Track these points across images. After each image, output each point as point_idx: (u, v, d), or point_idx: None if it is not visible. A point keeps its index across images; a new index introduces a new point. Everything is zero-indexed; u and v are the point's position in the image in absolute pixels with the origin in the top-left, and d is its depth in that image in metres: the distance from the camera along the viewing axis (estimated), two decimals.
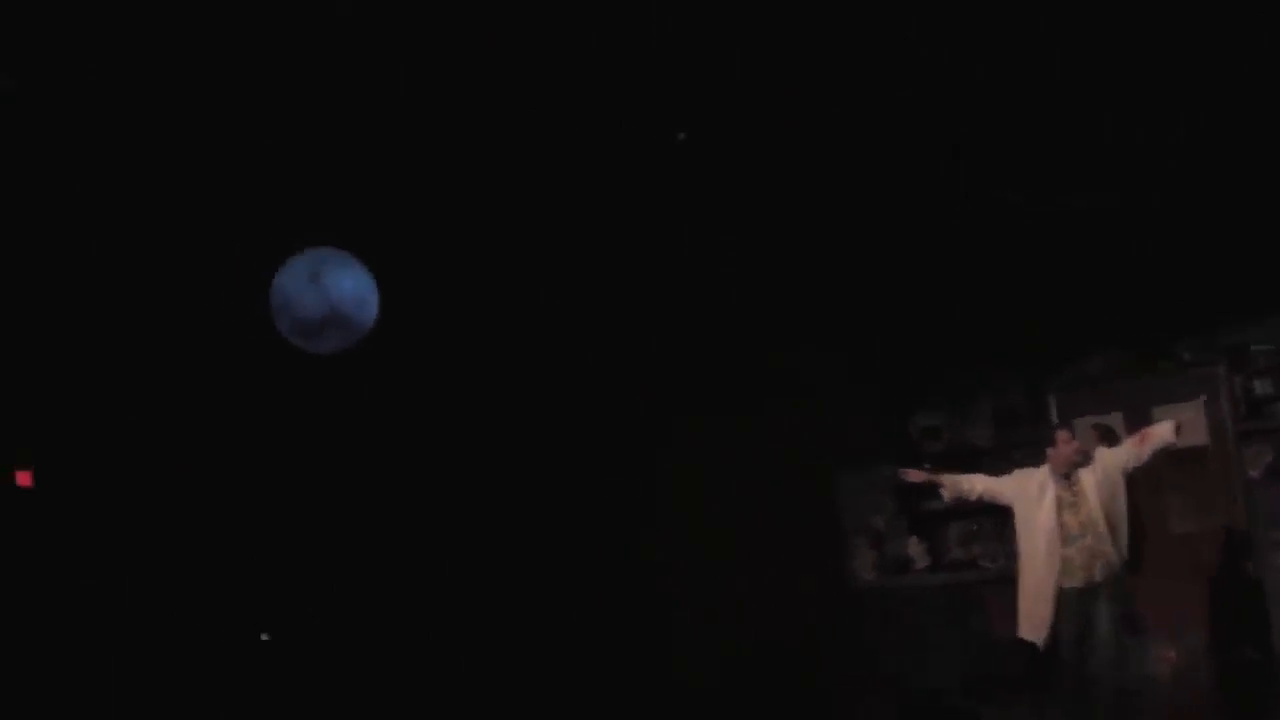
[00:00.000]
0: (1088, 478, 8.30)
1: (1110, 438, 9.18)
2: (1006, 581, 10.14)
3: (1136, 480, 8.48)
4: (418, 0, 7.67)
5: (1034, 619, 8.41)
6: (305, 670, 9.89)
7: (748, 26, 7.76)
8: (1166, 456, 8.56)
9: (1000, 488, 8.65)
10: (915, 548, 10.89)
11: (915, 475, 8.94)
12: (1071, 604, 8.25)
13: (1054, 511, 8.30)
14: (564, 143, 8.84)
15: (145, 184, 8.95)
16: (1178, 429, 8.37)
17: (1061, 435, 8.57)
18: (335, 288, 7.81)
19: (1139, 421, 9.38)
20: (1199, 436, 9.68)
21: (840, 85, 8.45)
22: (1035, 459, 8.78)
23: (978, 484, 8.73)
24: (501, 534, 10.39)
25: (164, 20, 7.94)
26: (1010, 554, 10.59)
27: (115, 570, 9.61)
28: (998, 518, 10.75)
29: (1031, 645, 8.53)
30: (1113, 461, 8.35)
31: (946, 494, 8.83)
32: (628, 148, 9.38)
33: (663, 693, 9.97)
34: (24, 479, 9.55)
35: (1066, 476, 8.36)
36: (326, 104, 8.33)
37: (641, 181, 9.92)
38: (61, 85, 8.55)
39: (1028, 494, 8.46)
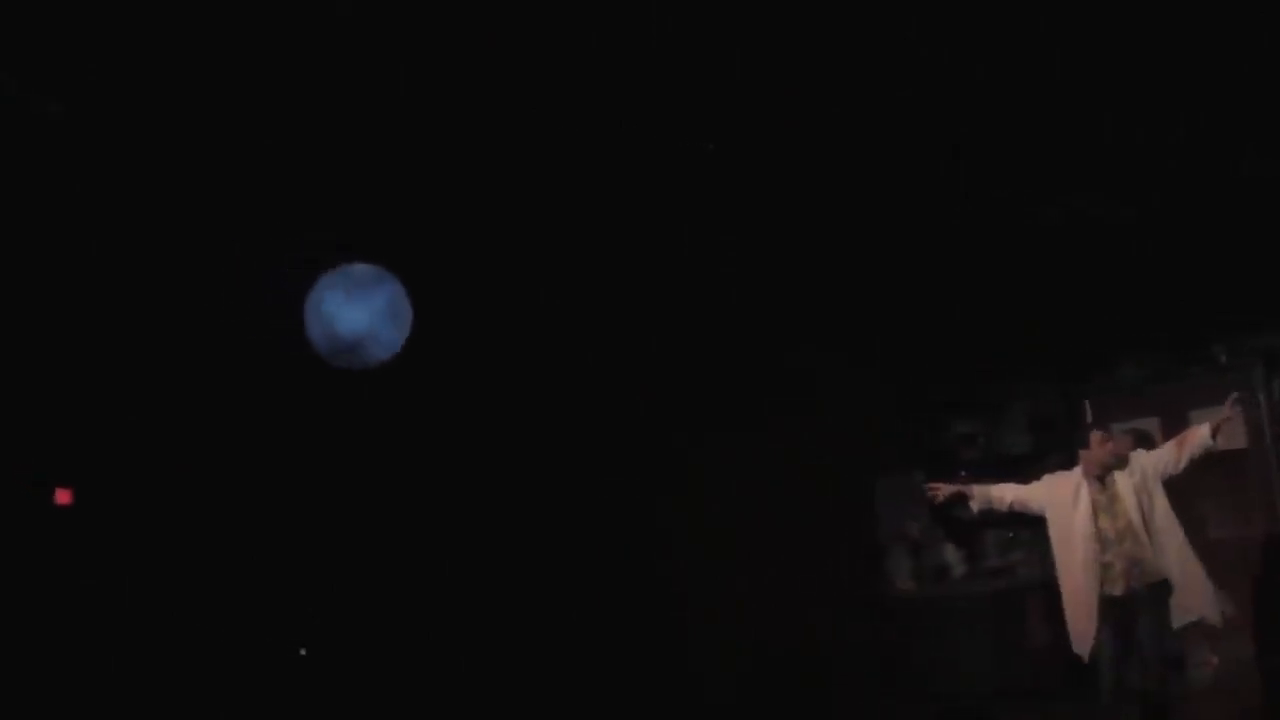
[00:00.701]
0: (1123, 481, 7.98)
1: (1146, 442, 9.04)
2: (1045, 589, 10.10)
3: (1175, 486, 8.32)
4: (417, 7, 7.75)
5: (1079, 631, 8.07)
6: (333, 676, 9.95)
7: (762, 31, 7.77)
8: (1204, 461, 8.40)
9: (1030, 495, 8.36)
10: (952, 555, 10.83)
11: (943, 490, 8.68)
12: (1113, 613, 7.93)
13: (1090, 516, 7.97)
14: (581, 148, 8.88)
15: (174, 201, 9.07)
16: (1215, 431, 8.09)
17: (1095, 436, 8.21)
18: (355, 314, 7.88)
19: (1176, 426, 9.27)
20: (1237, 440, 9.55)
21: (867, 88, 8.45)
22: (1072, 464, 8.63)
23: (1007, 494, 8.43)
24: (534, 540, 10.40)
25: (200, 38, 8.06)
26: (1050, 561, 10.57)
27: (152, 584, 9.70)
28: (1036, 524, 10.71)
29: (1071, 654, 8.38)
30: (1150, 464, 8.02)
31: (975, 505, 8.57)
32: (660, 155, 9.43)
33: (696, 701, 9.96)
34: (63, 497, 9.65)
35: (1101, 479, 8.05)
36: (340, 118, 8.43)
37: (674, 189, 9.96)
38: (97, 104, 8.68)
39: (1060, 499, 8.16)
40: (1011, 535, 10.84)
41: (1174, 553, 7.93)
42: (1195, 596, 7.93)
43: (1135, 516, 7.92)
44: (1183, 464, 8.00)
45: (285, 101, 8.41)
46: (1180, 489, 8.50)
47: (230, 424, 10.08)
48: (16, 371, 9.44)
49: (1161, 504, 7.97)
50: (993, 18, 7.96)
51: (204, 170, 9.32)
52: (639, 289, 10.21)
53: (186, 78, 8.33)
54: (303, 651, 10.22)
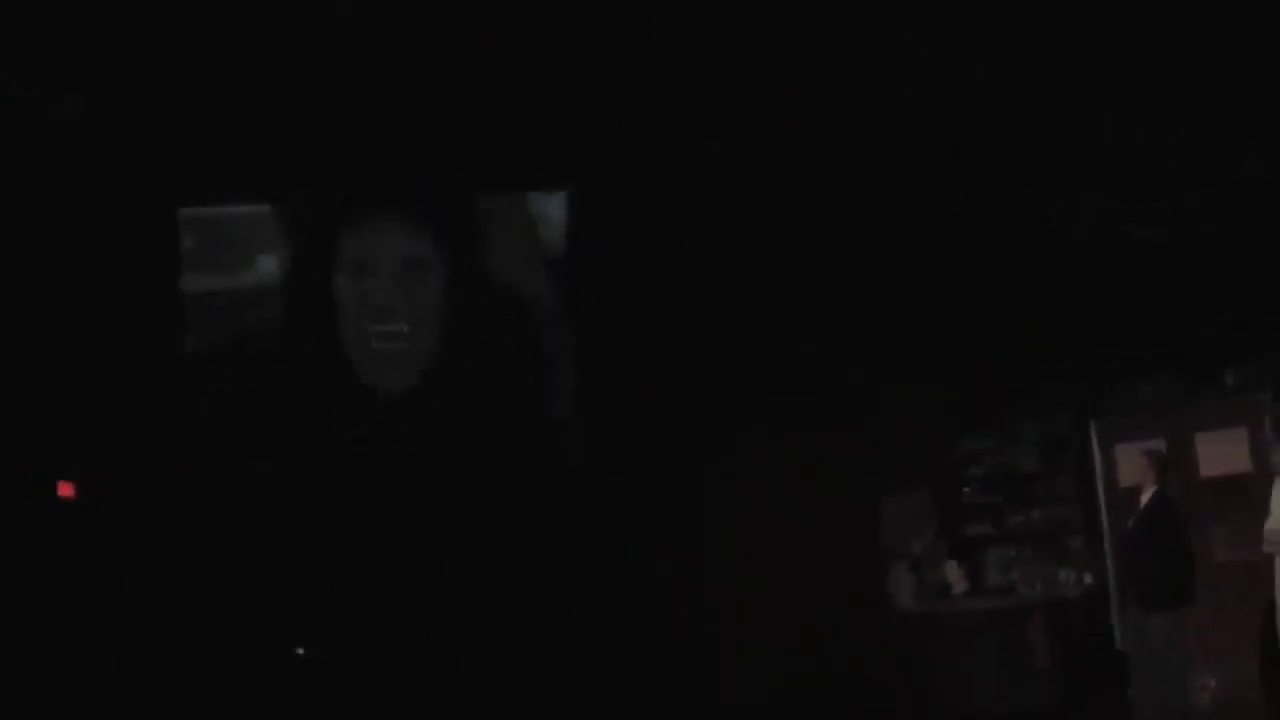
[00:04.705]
0: None
1: (1162, 464, 8.96)
2: (1044, 608, 10.14)
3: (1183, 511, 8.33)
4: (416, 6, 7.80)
5: None
6: (344, 680, 9.92)
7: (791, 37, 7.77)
8: (1210, 485, 8.36)
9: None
10: (954, 573, 10.82)
11: None
12: None
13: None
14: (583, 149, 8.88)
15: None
16: None
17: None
18: None
19: (1182, 448, 9.29)
20: (1242, 464, 9.54)
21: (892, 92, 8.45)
22: (1080, 483, 8.57)
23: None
24: (544, 559, 10.34)
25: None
26: (1048, 580, 10.57)
27: (155, 580, 9.68)
28: (1036, 544, 10.72)
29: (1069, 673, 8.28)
30: None
31: None
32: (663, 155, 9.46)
33: (705, 717, 9.94)
34: (66, 489, 9.63)
35: None
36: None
37: (684, 194, 9.99)
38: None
39: None
40: (1013, 554, 10.86)
41: None
42: None
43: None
44: None
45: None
46: (1189, 513, 8.54)
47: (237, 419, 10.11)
48: (22, 366, 9.46)
49: None
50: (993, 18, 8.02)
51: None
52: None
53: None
54: (300, 650, 10.15)
